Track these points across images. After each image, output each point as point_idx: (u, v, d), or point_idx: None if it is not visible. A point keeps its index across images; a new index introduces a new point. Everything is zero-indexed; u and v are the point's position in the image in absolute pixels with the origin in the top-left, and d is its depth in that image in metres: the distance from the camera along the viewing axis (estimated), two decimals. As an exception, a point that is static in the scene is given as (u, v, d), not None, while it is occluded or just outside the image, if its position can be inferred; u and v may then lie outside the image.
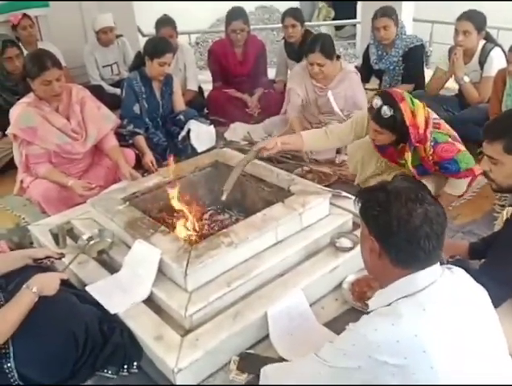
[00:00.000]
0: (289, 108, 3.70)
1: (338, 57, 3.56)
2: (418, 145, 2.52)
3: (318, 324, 2.03)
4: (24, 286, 1.76)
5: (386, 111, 2.41)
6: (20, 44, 3.91)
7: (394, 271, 1.30)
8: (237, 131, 3.95)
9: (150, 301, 2.03)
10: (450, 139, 2.58)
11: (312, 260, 2.24)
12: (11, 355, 1.67)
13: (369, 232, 1.33)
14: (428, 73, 4.14)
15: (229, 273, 2.07)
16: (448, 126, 2.67)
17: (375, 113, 2.47)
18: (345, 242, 2.32)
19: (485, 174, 1.81)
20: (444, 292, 1.26)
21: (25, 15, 4.22)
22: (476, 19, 3.56)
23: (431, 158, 2.57)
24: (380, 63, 4.11)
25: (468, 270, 1.40)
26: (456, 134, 2.69)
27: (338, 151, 3.50)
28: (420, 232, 1.25)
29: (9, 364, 1.66)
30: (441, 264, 1.34)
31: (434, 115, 2.64)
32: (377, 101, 2.45)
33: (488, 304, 1.34)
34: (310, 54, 3.41)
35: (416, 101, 2.52)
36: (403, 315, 1.20)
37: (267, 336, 1.97)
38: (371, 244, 1.33)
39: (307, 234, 2.32)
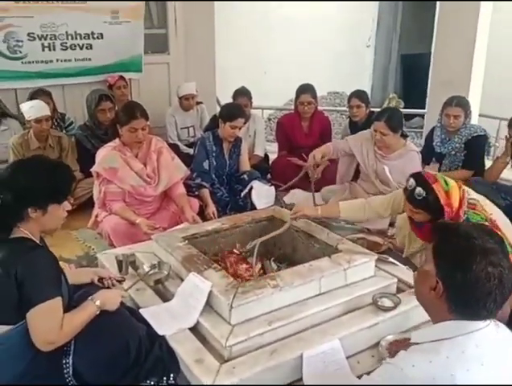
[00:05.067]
0: (334, 142, 3.98)
1: (405, 136, 3.77)
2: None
3: (351, 374, 2.08)
4: (89, 298, 1.98)
5: (420, 192, 2.51)
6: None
7: (448, 314, 1.34)
8: (296, 196, 4.16)
9: (195, 329, 2.18)
10: (486, 222, 2.56)
11: (352, 315, 2.32)
12: (71, 352, 1.86)
13: (437, 272, 1.35)
14: (488, 163, 4.24)
15: (271, 314, 2.19)
16: (486, 209, 2.67)
17: (409, 194, 2.58)
18: (387, 302, 2.37)
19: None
20: (486, 339, 1.30)
21: (121, 77, 4.80)
22: None
23: None
24: (442, 147, 4.24)
25: None
26: (499, 219, 2.67)
27: (391, 224, 3.60)
28: (491, 296, 1.29)
29: (67, 360, 1.85)
30: None
31: (472, 195, 2.69)
32: (412, 183, 2.56)
33: None
34: (376, 122, 3.67)
35: (451, 182, 2.58)
36: (442, 354, 1.25)
37: (300, 379, 2.04)
38: (434, 283, 1.35)
39: (351, 290, 2.41)
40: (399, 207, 2.86)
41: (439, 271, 1.35)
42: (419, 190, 2.53)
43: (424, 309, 1.48)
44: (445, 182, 2.58)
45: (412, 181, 2.57)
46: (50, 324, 1.80)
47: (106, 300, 1.99)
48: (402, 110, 9.00)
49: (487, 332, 1.32)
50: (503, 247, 1.36)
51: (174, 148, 4.56)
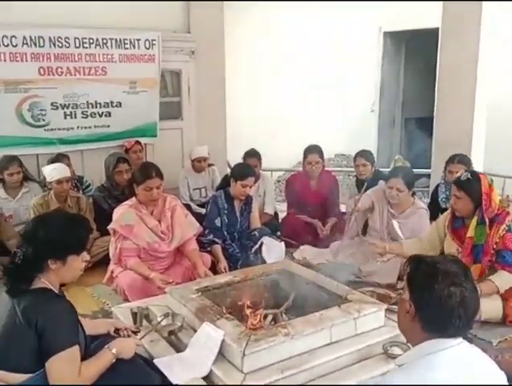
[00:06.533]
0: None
1: (414, 194, 3.90)
2: (490, 222, 2.92)
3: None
4: (106, 347, 2.05)
5: (467, 175, 2.94)
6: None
7: (423, 334, 1.50)
8: (305, 252, 4.25)
9: (208, 378, 2.21)
10: None
11: (363, 363, 2.35)
12: (90, 399, 1.91)
13: (410, 297, 1.52)
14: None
15: (283, 363, 2.24)
16: None
17: (456, 178, 3.03)
18: (398, 350, 2.40)
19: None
20: (456, 354, 1.45)
21: (137, 142, 5.04)
22: None
23: (497, 240, 2.88)
24: (448, 203, 4.34)
25: None
26: None
27: (400, 278, 3.65)
28: (455, 313, 1.45)
29: (85, 407, 1.89)
30: None
31: None
32: (464, 173, 3.06)
33: (499, 375, 1.49)
34: (392, 178, 3.81)
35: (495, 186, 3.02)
36: (419, 369, 1.42)
37: (313, 427, 2.06)
38: (408, 307, 1.52)
39: (361, 339, 2.45)
40: (443, 229, 3.28)
41: (412, 295, 1.52)
42: (467, 174, 2.99)
43: (404, 335, 1.65)
44: (491, 181, 2.99)
45: (465, 172, 3.07)
46: (68, 371, 1.87)
47: (122, 348, 2.06)
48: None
49: (459, 349, 1.47)
50: (467, 272, 1.53)
51: (186, 208, 4.72)
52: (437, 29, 5.47)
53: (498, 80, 6.16)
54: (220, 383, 2.17)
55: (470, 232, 3.06)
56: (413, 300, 1.51)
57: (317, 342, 2.35)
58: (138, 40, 4.98)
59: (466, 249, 3.07)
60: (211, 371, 2.22)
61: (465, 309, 1.45)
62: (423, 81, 8.37)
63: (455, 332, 1.46)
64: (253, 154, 4.80)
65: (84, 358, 1.97)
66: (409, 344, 1.65)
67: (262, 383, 2.11)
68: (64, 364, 1.86)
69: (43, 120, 4.71)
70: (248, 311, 2.63)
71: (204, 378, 2.21)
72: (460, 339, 1.49)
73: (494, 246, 2.96)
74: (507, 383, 1.50)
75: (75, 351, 1.90)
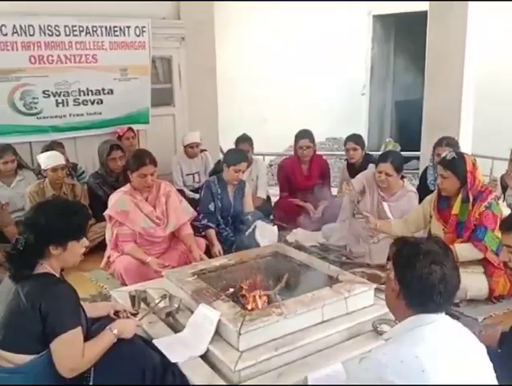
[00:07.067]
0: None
1: (403, 177, 3.99)
2: (473, 200, 3.09)
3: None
4: (107, 328, 2.13)
5: (452, 155, 3.08)
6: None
7: (407, 311, 1.60)
8: (297, 235, 4.34)
9: (205, 357, 2.31)
10: (499, 216, 3.03)
11: (354, 340, 2.46)
12: (91, 378, 2.00)
13: (395, 275, 1.63)
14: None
15: (277, 341, 2.33)
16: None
17: (442, 158, 3.18)
18: (386, 328, 2.50)
19: (505, 264, 2.05)
20: (439, 328, 1.55)
21: (130, 128, 5.08)
22: None
23: (476, 217, 3.06)
24: (435, 185, 4.44)
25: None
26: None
27: (389, 258, 3.75)
28: (435, 289, 1.55)
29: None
30: None
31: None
32: (450, 153, 3.22)
33: (478, 345, 1.60)
34: (381, 163, 3.86)
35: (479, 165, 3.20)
36: (406, 342, 1.51)
37: (306, 401, 2.16)
38: (393, 285, 1.63)
39: (352, 318, 2.55)
40: (429, 207, 3.43)
41: (396, 274, 1.63)
42: (452, 154, 3.14)
43: (391, 312, 1.77)
44: (475, 160, 3.15)
45: (450, 153, 3.23)
46: (73, 352, 1.96)
47: (123, 329, 2.14)
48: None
49: (442, 323, 1.58)
50: (448, 251, 1.64)
51: (180, 193, 4.77)
52: (426, 12, 5.52)
53: (486, 62, 6.24)
54: (217, 361, 2.26)
55: (455, 210, 3.20)
56: (397, 278, 1.61)
57: (309, 321, 2.45)
58: (128, 27, 4.98)
59: (451, 226, 3.22)
60: (208, 349, 2.31)
61: (446, 285, 1.55)
62: (413, 64, 8.43)
63: (437, 307, 1.56)
64: (245, 139, 4.86)
65: (85, 339, 2.05)
66: (396, 321, 1.75)
67: (258, 360, 2.20)
68: (68, 345, 1.95)
69: (35, 108, 4.73)
70: (243, 292, 2.72)
71: (202, 356, 2.30)
72: (442, 314, 1.59)
73: (475, 222, 3.11)
74: (485, 354, 1.60)
75: (78, 332, 1.98)
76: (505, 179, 4.03)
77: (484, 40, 5.85)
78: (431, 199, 3.47)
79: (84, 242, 2.18)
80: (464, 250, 3.10)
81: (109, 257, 3.47)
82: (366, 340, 2.46)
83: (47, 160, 4.03)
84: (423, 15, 5.74)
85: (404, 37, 8.97)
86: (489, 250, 3.06)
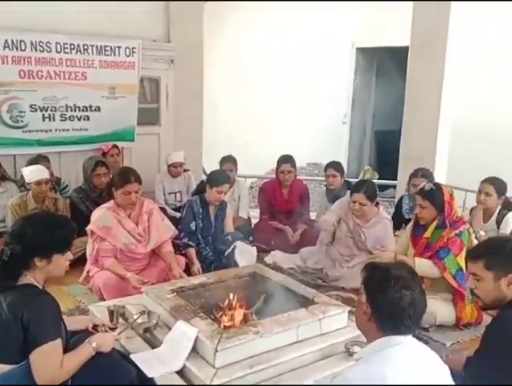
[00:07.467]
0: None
1: (377, 204, 4.12)
2: (449, 228, 3.24)
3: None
4: (86, 341, 2.17)
5: (430, 186, 3.24)
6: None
7: (378, 333, 1.70)
8: (275, 257, 4.43)
9: (181, 373, 2.36)
10: (467, 246, 3.19)
11: (326, 361, 2.54)
12: (69, 388, 2.04)
13: (366, 299, 1.71)
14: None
15: (252, 359, 2.41)
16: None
17: (420, 189, 3.33)
18: (358, 349, 2.58)
19: (472, 292, 2.18)
20: (408, 349, 1.66)
21: (114, 146, 5.13)
22: (498, 185, 4.06)
23: (445, 240, 3.22)
24: (411, 214, 4.60)
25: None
26: None
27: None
28: (405, 312, 1.66)
29: (67, 394, 2.02)
30: None
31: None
32: (428, 184, 3.35)
33: (443, 367, 1.70)
34: (355, 193, 3.98)
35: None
36: (375, 362, 1.61)
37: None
38: (365, 309, 1.72)
39: (325, 338, 2.65)
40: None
41: (368, 298, 1.71)
42: (430, 185, 3.29)
43: (362, 333, 1.85)
44: (451, 191, 3.38)
45: (428, 184, 3.38)
46: (51, 363, 1.99)
47: (102, 342, 2.19)
48: (376, 181, 9.59)
49: (410, 345, 1.68)
50: (415, 277, 1.74)
51: (162, 211, 4.84)
52: (407, 48, 5.76)
53: (464, 98, 6.51)
54: (193, 378, 2.32)
55: (427, 234, 3.35)
56: (369, 302, 1.70)
57: (285, 340, 2.53)
58: (119, 47, 5.08)
59: (420, 248, 3.36)
60: (184, 365, 2.37)
61: (415, 309, 1.66)
62: (393, 96, 8.70)
63: (406, 330, 1.66)
64: (229, 159, 4.99)
65: (64, 351, 2.09)
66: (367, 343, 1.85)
67: (233, 377, 2.26)
68: (47, 356, 1.98)
69: (22, 121, 4.75)
70: (221, 311, 2.78)
71: (178, 372, 2.35)
72: (409, 337, 1.69)
73: (441, 245, 3.26)
74: (449, 375, 1.70)
75: (58, 343, 2.02)
76: (473, 211, 4.19)
77: (461, 83, 6.10)
78: (410, 227, 3.60)
79: (69, 255, 2.23)
80: (422, 265, 3.21)
81: (88, 272, 3.50)
82: (338, 361, 2.54)
83: (32, 173, 4.06)
84: (404, 51, 5.98)
85: (386, 70, 9.26)
86: (448, 271, 3.18)
